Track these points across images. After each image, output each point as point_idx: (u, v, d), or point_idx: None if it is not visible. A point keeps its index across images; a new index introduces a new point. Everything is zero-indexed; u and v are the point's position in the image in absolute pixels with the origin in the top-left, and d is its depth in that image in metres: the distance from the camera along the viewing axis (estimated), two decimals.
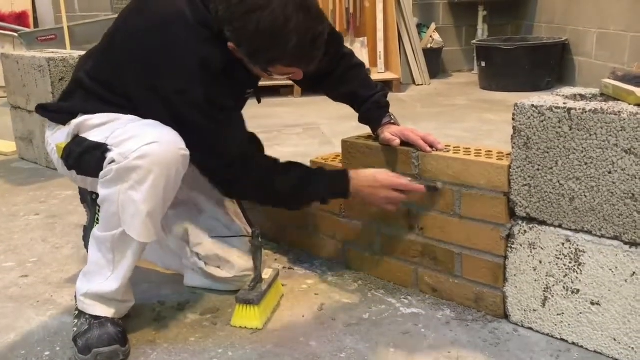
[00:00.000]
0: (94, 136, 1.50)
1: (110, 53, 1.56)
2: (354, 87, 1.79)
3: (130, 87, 1.52)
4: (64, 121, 1.58)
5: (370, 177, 1.62)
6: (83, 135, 1.52)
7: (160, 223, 1.48)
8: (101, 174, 1.43)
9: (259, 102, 1.76)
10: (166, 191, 1.43)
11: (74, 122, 1.54)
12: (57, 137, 1.60)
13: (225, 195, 1.71)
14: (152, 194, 1.40)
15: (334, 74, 1.78)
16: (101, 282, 1.48)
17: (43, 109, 1.66)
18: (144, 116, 1.51)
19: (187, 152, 1.45)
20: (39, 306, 1.73)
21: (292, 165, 1.63)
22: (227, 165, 1.55)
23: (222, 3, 1.41)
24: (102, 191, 1.44)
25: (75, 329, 1.50)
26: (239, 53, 1.46)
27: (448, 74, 5.88)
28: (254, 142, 1.66)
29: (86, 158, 1.49)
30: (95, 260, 1.49)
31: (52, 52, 3.24)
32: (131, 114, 1.52)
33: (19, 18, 5.52)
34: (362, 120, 1.80)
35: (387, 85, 4.86)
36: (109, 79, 1.55)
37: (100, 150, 1.45)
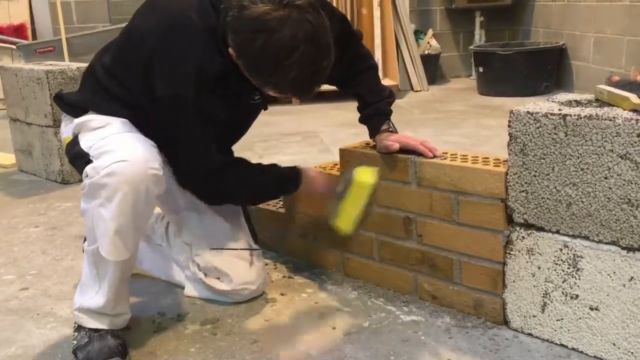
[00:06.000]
0: (84, 141, 1.50)
1: (124, 49, 1.57)
2: (362, 90, 1.79)
3: (134, 85, 1.53)
4: (75, 114, 1.58)
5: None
6: (79, 136, 1.53)
7: (134, 241, 1.46)
8: (81, 186, 1.45)
9: (265, 109, 1.73)
10: (135, 210, 1.40)
11: (76, 121, 1.55)
12: (66, 130, 1.62)
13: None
14: (120, 212, 1.38)
15: (348, 72, 1.77)
16: (91, 296, 1.48)
17: (59, 99, 1.67)
18: (141, 116, 1.52)
19: (159, 172, 1.43)
20: (39, 319, 1.74)
21: (239, 165, 1.66)
22: (194, 173, 1.59)
23: (233, 9, 1.37)
24: (81, 204, 1.45)
25: (75, 341, 1.50)
26: (237, 61, 1.45)
27: (446, 79, 5.89)
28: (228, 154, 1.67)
29: (76, 163, 1.52)
30: (86, 273, 1.50)
31: (51, 64, 3.25)
32: (134, 112, 1.53)
33: (17, 30, 5.54)
34: (361, 122, 1.81)
35: None
36: (119, 74, 1.56)
37: (83, 160, 1.46)
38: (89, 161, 1.44)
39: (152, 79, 1.47)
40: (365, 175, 1.61)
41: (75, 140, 1.53)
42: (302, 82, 1.39)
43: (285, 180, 1.70)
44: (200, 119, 1.50)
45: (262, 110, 1.73)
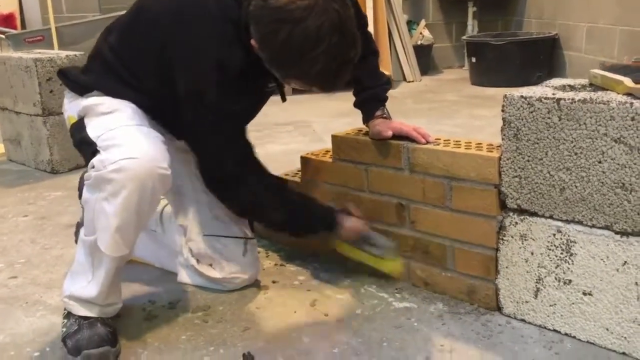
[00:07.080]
0: (91, 128, 1.47)
1: (133, 31, 1.53)
2: (362, 74, 1.75)
3: (143, 68, 1.51)
4: (81, 92, 1.56)
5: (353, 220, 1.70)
6: (86, 120, 1.50)
7: (134, 237, 1.44)
8: (85, 175, 1.42)
9: (284, 100, 1.71)
10: (139, 208, 1.38)
11: (83, 103, 1.52)
12: (71, 107, 1.58)
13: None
14: (123, 209, 1.36)
15: None
16: (83, 285, 1.46)
17: (63, 76, 1.63)
18: (149, 99, 1.51)
19: (167, 171, 1.41)
20: (28, 307, 1.72)
21: (285, 199, 1.64)
22: (219, 180, 1.57)
23: None
24: (84, 193, 1.43)
25: (64, 329, 1.48)
26: (259, 52, 1.39)
27: (439, 70, 5.88)
28: (255, 165, 1.60)
29: (81, 148, 1.50)
30: (80, 261, 1.47)
31: (39, 53, 3.21)
32: (142, 95, 1.51)
33: (6, 20, 5.49)
34: (356, 106, 1.79)
35: None
36: (128, 57, 1.53)
37: (90, 150, 1.43)
38: (96, 151, 1.41)
39: (170, 72, 1.44)
40: (396, 267, 1.72)
41: (81, 124, 1.49)
42: (328, 74, 1.33)
43: (323, 219, 1.68)
44: (223, 113, 1.46)
45: (282, 102, 1.73)
